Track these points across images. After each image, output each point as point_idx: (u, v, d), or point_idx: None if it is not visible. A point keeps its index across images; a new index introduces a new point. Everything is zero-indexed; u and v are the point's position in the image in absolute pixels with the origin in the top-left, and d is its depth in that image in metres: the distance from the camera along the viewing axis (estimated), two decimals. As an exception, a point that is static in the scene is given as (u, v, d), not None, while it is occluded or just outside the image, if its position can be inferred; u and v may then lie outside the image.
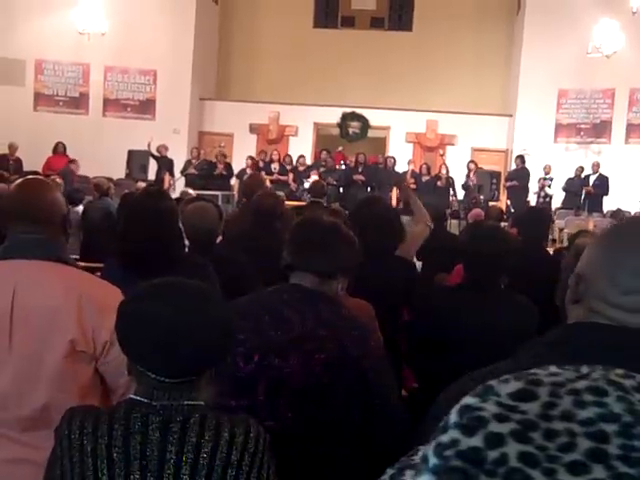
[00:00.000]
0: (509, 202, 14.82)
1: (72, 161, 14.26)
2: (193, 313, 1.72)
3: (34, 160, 15.06)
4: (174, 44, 17.36)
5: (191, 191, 10.08)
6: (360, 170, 16.28)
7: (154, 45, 17.25)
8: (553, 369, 0.65)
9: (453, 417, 0.62)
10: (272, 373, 2.21)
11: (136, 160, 15.42)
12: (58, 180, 10.02)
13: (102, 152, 16.43)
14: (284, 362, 2.21)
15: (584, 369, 0.64)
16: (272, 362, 2.21)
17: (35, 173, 13.23)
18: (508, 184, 15.32)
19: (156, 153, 15.71)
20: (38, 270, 2.26)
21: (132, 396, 1.75)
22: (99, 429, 1.68)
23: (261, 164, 16.35)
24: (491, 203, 13.76)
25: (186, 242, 4.14)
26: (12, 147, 15.35)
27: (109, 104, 18.21)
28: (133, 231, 3.15)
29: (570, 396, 0.60)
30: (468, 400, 0.63)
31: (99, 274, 3.18)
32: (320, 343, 2.20)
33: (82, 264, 5.34)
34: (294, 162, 16.68)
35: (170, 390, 1.71)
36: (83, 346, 2.18)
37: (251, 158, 16.32)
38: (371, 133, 18.30)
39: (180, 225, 4.18)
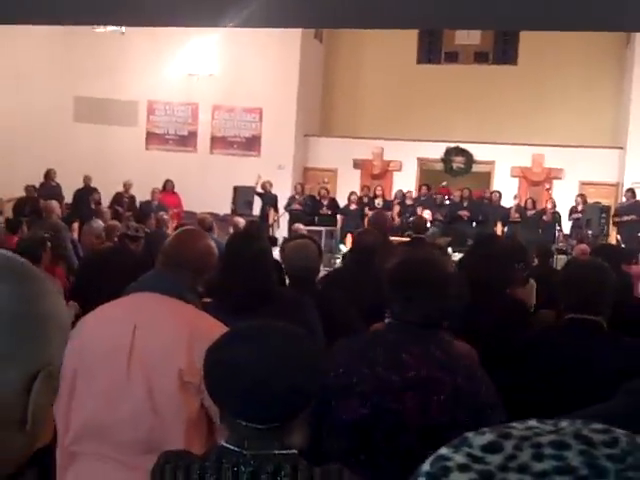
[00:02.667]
0: (619, 237, 14.32)
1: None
2: (283, 357, 1.69)
3: (146, 197, 15.61)
4: (279, 82, 17.73)
5: (302, 226, 10.23)
6: (465, 205, 16.15)
7: (260, 84, 17.66)
8: (531, 423, 0.65)
9: (425, 466, 0.64)
10: (388, 416, 2.22)
11: (241, 196, 15.73)
12: (166, 217, 10.33)
13: (209, 188, 16.91)
14: (400, 405, 2.22)
15: (562, 423, 0.64)
16: (388, 405, 2.23)
17: (146, 204, 13.77)
18: (625, 218, 14.70)
19: (260, 190, 15.99)
20: (156, 305, 2.52)
21: (223, 444, 1.72)
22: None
23: (365, 199, 16.43)
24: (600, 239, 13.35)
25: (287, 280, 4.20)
26: (127, 185, 16.12)
27: (216, 141, 18.72)
28: (229, 273, 3.23)
29: (531, 449, 0.60)
30: (442, 450, 0.64)
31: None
32: (436, 385, 2.22)
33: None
34: (397, 196, 16.62)
35: (262, 437, 1.68)
36: (189, 376, 2.32)
37: (354, 194, 16.42)
38: (475, 168, 18.12)
39: (280, 261, 4.25)
